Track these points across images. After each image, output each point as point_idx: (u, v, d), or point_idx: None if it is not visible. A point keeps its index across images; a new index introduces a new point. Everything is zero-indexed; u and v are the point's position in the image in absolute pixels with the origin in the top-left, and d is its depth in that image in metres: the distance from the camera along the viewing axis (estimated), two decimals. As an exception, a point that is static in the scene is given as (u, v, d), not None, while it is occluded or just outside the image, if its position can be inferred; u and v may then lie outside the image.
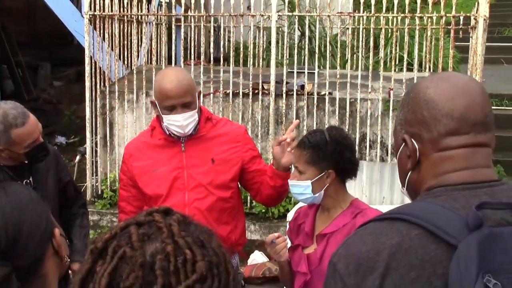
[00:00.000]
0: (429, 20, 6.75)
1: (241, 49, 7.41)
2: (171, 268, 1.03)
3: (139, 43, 8.22)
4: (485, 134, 1.57)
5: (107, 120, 7.46)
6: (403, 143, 1.62)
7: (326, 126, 3.49)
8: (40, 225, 1.59)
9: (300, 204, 3.56)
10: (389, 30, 7.18)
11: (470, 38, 6.76)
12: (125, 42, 7.67)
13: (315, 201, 2.89)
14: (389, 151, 6.73)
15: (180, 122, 3.14)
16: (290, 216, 5.86)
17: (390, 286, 1.41)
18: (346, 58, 7.03)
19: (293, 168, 2.98)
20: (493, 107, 8.94)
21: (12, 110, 3.12)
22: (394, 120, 6.87)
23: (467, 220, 1.39)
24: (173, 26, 7.70)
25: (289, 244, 2.99)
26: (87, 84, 7.34)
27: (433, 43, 6.82)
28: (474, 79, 1.76)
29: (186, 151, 3.22)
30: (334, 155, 2.82)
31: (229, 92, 6.95)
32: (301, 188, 2.85)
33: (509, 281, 1.30)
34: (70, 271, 3.14)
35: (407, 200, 1.70)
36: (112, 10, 7.29)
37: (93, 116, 7.40)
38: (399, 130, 1.66)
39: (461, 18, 6.69)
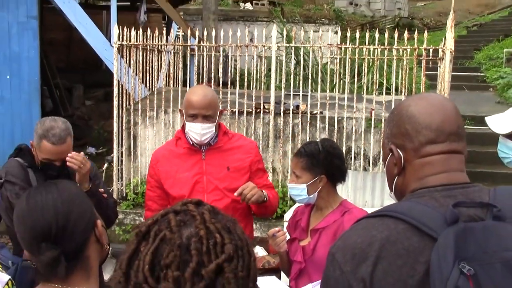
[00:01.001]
0: (404, 52, 6.75)
1: (245, 75, 7.37)
2: (203, 249, 1.04)
3: (159, 69, 8.21)
4: (458, 143, 1.56)
5: (131, 134, 7.44)
6: (390, 153, 1.62)
7: (319, 139, 3.50)
8: (85, 216, 1.61)
9: (298, 204, 3.55)
10: (371, 60, 7.18)
11: (439, 68, 6.76)
12: (147, 67, 7.63)
13: (310, 201, 2.89)
14: (371, 162, 6.70)
15: (199, 131, 3.11)
16: (286, 216, 5.84)
17: (380, 272, 1.40)
18: (334, 83, 7.02)
19: (291, 173, 2.97)
20: None
21: (57, 129, 3.05)
22: (376, 135, 6.86)
23: (445, 216, 1.38)
24: (188, 55, 7.73)
25: (288, 237, 2.98)
26: (115, 103, 7.30)
27: (407, 71, 6.82)
28: (447, 98, 1.77)
29: (205, 159, 3.19)
30: (325, 163, 2.84)
31: (235, 111, 6.92)
32: (298, 190, 2.85)
33: (480, 267, 1.29)
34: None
35: (386, 203, 1.69)
36: (137, 41, 7.28)
37: (120, 130, 7.36)
38: (386, 143, 1.65)
39: (431, 50, 6.70)
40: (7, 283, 1.87)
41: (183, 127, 3.28)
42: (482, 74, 13.22)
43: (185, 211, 1.11)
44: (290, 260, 2.93)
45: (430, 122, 1.55)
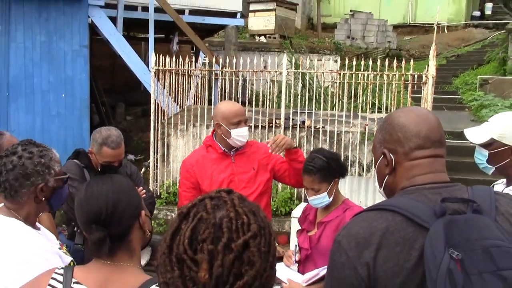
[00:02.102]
0: (393, 77, 6.73)
1: (260, 96, 7.43)
2: (233, 228, 1.05)
3: (188, 90, 8.24)
4: (441, 149, 1.56)
5: (165, 143, 7.44)
6: (382, 156, 1.60)
7: (312, 150, 3.41)
8: (131, 206, 1.60)
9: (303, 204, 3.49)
10: (365, 84, 7.18)
11: (422, 91, 6.70)
12: (179, 89, 7.65)
13: (329, 202, 2.81)
14: (365, 169, 6.66)
15: (245, 133, 3.14)
16: (294, 213, 5.84)
17: (381, 258, 1.38)
18: (334, 103, 7.00)
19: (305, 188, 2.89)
20: None
21: (113, 137, 3.13)
22: (369, 146, 6.84)
23: (434, 210, 1.38)
24: (213, 79, 7.76)
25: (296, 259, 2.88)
26: (152, 118, 7.33)
27: (396, 94, 6.80)
28: (430, 111, 1.76)
29: (235, 163, 3.20)
30: (335, 169, 2.80)
31: (252, 125, 6.91)
32: (321, 199, 2.78)
33: (464, 253, 1.28)
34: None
35: (377, 202, 1.66)
36: (170, 66, 7.32)
37: (155, 140, 7.38)
38: (378, 147, 1.63)
39: (416, 76, 6.65)
40: (69, 263, 1.89)
41: (213, 136, 3.28)
42: (459, 96, 13.11)
43: (219, 197, 1.12)
44: (299, 247, 2.88)
45: (418, 131, 1.54)
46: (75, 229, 3.31)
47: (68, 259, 1.92)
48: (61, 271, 1.52)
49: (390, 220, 1.41)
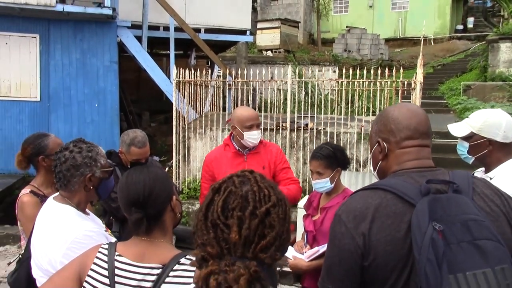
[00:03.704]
0: (386, 84, 6.72)
1: (268, 102, 7.48)
2: (257, 199, 1.13)
3: (205, 98, 8.29)
4: (427, 140, 1.60)
5: (186, 145, 7.47)
6: (377, 144, 1.64)
7: (322, 143, 3.44)
8: (164, 191, 1.63)
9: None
10: (360, 91, 7.21)
11: (411, 96, 6.72)
12: (197, 97, 7.69)
13: (330, 189, 2.83)
14: (361, 165, 6.65)
15: (256, 136, 3.16)
16: (299, 204, 5.83)
17: (375, 229, 1.42)
18: (333, 108, 7.06)
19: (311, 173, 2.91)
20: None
21: (139, 137, 3.19)
22: (365, 145, 6.82)
23: (420, 190, 1.42)
24: (226, 88, 7.82)
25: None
26: (174, 123, 7.36)
27: (388, 99, 6.81)
28: (420, 107, 1.81)
29: (247, 161, 3.20)
30: (339, 158, 2.81)
31: (261, 128, 6.95)
32: (323, 183, 2.79)
33: (445, 226, 1.32)
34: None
35: None
36: (189, 78, 7.36)
37: (177, 143, 7.41)
38: (374, 136, 1.67)
39: (406, 83, 6.64)
40: None
41: (230, 137, 3.31)
42: (445, 101, 13.07)
43: (244, 175, 1.20)
44: (305, 230, 2.92)
45: (409, 124, 1.58)
46: (110, 218, 3.38)
47: (113, 240, 1.99)
48: (106, 246, 1.59)
49: (383, 197, 1.45)
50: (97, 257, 1.56)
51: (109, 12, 7.97)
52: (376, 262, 1.41)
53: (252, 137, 3.17)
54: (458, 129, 2.45)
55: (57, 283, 1.54)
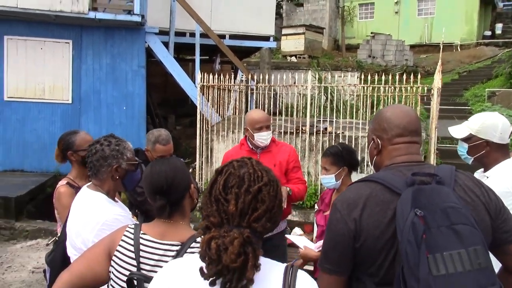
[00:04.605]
0: (406, 89, 6.75)
1: (289, 107, 7.62)
2: (251, 179, 1.34)
3: (229, 102, 8.44)
4: (416, 137, 1.73)
5: (209, 147, 7.63)
6: (372, 141, 1.78)
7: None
8: (184, 180, 1.81)
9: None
10: (381, 96, 7.30)
11: (431, 101, 6.80)
12: (220, 101, 7.84)
13: (336, 186, 2.99)
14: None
15: (265, 137, 3.37)
16: (317, 206, 6.00)
17: (366, 215, 1.57)
18: (353, 112, 7.17)
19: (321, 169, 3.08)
20: (446, 145, 8.55)
21: (164, 136, 3.37)
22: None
23: (406, 181, 1.55)
24: (249, 92, 8.02)
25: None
26: (198, 126, 7.52)
27: (409, 104, 6.85)
28: (412, 109, 1.95)
29: (260, 159, 3.36)
30: (345, 158, 2.96)
31: (282, 131, 7.10)
32: (328, 179, 2.96)
33: (427, 212, 1.44)
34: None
35: None
36: (213, 82, 7.53)
37: (201, 145, 7.58)
38: (370, 134, 1.81)
39: (426, 89, 6.70)
40: None
41: (246, 137, 3.52)
42: (469, 107, 12.98)
43: (242, 161, 1.41)
44: (317, 224, 3.06)
45: (399, 123, 1.71)
46: (136, 211, 3.63)
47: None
48: (132, 226, 1.81)
49: (373, 188, 1.60)
50: (124, 235, 1.77)
51: (138, 19, 8.29)
52: (366, 243, 1.56)
53: (262, 137, 3.38)
54: (457, 131, 2.58)
55: (90, 258, 1.77)
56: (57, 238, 2.65)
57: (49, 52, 8.60)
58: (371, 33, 21.72)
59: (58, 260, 2.46)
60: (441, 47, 6.72)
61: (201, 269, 1.27)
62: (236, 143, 7.39)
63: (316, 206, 5.98)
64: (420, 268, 1.40)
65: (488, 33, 23.60)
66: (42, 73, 8.63)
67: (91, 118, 8.77)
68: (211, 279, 1.25)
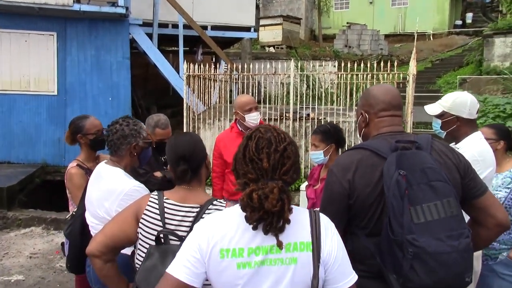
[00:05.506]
0: (383, 77, 7.02)
1: (272, 95, 7.79)
2: (277, 140, 1.57)
3: (213, 91, 8.61)
4: (399, 111, 1.95)
5: None
6: (361, 115, 1.99)
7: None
8: (202, 150, 2.07)
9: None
10: (359, 83, 7.55)
11: (406, 87, 6.99)
12: (205, 90, 7.95)
13: (324, 161, 3.16)
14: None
15: (255, 117, 3.60)
16: (302, 187, 6.24)
17: (357, 176, 1.78)
18: (333, 99, 7.42)
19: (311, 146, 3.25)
20: (421, 130, 8.86)
21: (163, 120, 3.46)
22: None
23: (390, 147, 1.76)
24: (233, 82, 8.21)
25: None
26: (184, 114, 7.63)
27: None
28: (395, 87, 2.20)
29: None
30: (334, 135, 3.13)
31: (266, 118, 7.23)
32: (317, 155, 3.14)
33: (408, 172, 1.64)
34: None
35: None
36: (198, 72, 7.66)
37: None
38: (359, 109, 2.01)
39: (401, 76, 6.96)
40: None
41: (236, 121, 3.76)
42: (442, 94, 13.41)
43: (266, 127, 1.63)
44: (307, 197, 3.27)
45: (384, 99, 1.92)
46: None
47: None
48: (156, 194, 2.06)
49: (363, 153, 1.82)
50: (149, 201, 2.01)
51: (122, 11, 8.38)
52: (358, 200, 1.79)
53: (252, 118, 3.62)
54: (432, 108, 2.86)
55: (120, 221, 2.02)
56: (73, 213, 2.88)
57: (34, 44, 8.63)
58: (347, 23, 22.08)
59: (77, 232, 2.69)
60: (415, 37, 7.05)
61: (245, 217, 1.50)
62: (222, 130, 7.58)
63: (300, 188, 6.29)
64: (404, 217, 1.65)
65: (459, 22, 24.22)
66: (27, 65, 8.65)
67: (77, 109, 8.81)
68: (254, 224, 1.49)
